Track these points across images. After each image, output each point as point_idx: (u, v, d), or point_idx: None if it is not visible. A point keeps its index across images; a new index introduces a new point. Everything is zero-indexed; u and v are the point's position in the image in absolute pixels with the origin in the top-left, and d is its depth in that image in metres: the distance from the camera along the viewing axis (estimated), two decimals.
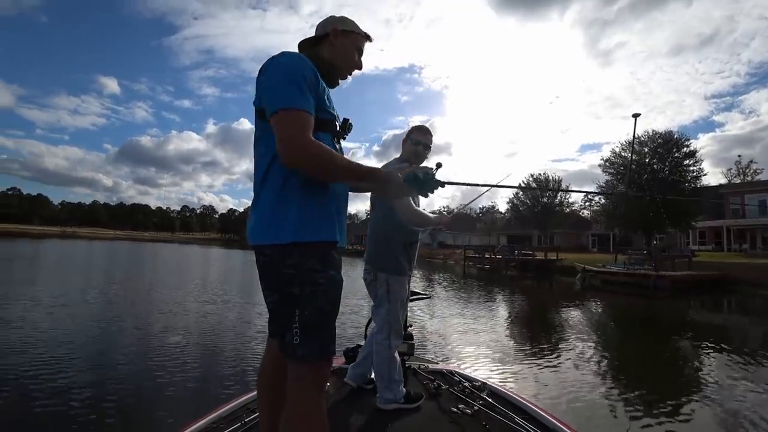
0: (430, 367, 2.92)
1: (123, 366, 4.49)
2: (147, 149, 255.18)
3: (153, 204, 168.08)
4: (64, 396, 3.62)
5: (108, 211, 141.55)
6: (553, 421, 2.10)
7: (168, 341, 5.56)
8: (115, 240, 62.77)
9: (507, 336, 7.07)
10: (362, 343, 2.69)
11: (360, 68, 1.48)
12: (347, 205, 1.42)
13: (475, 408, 2.21)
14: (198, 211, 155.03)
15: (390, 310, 2.24)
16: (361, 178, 1.27)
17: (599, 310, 11.21)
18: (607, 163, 29.76)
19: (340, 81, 1.47)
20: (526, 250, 29.62)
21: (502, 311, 10.09)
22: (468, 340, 6.45)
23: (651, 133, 28.41)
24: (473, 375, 2.89)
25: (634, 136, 23.48)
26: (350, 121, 1.41)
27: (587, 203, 35.57)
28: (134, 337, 5.73)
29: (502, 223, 58.82)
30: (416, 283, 16.24)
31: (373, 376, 2.49)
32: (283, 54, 1.24)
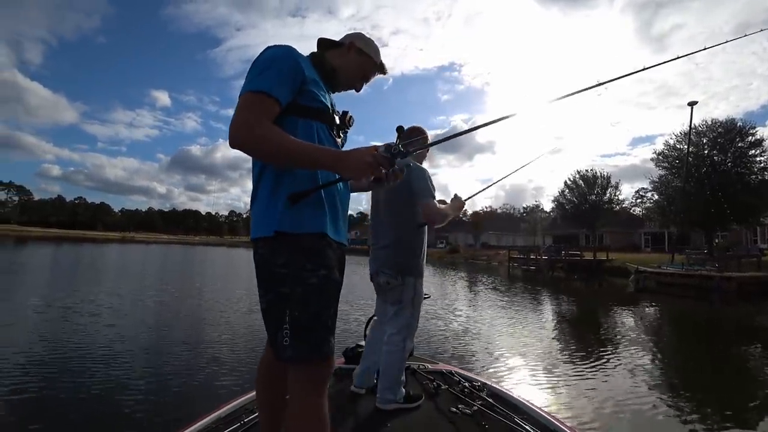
0: (430, 367, 2.90)
1: (125, 365, 4.55)
2: (196, 158, 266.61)
3: (203, 209, 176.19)
4: (61, 394, 3.64)
5: (162, 217, 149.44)
6: (553, 421, 2.10)
7: (177, 341, 5.66)
8: (169, 244, 66.18)
9: (552, 344, 6.74)
10: (362, 343, 2.65)
11: (357, 90, 1.49)
12: (347, 201, 1.40)
13: (475, 408, 2.21)
14: (244, 216, 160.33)
15: (413, 314, 2.26)
16: (321, 165, 1.17)
17: (656, 315, 10.54)
18: (660, 157, 28.00)
19: (335, 91, 1.47)
20: (573, 250, 28.43)
21: (547, 316, 9.71)
22: (511, 347, 6.24)
23: (710, 123, 26.46)
24: (473, 375, 2.85)
25: (690, 126, 22.02)
26: (350, 115, 1.40)
27: (639, 200, 33.64)
28: (145, 337, 5.81)
29: (546, 222, 56.83)
30: (460, 285, 15.99)
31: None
32: (267, 47, 1.24)
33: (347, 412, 2.20)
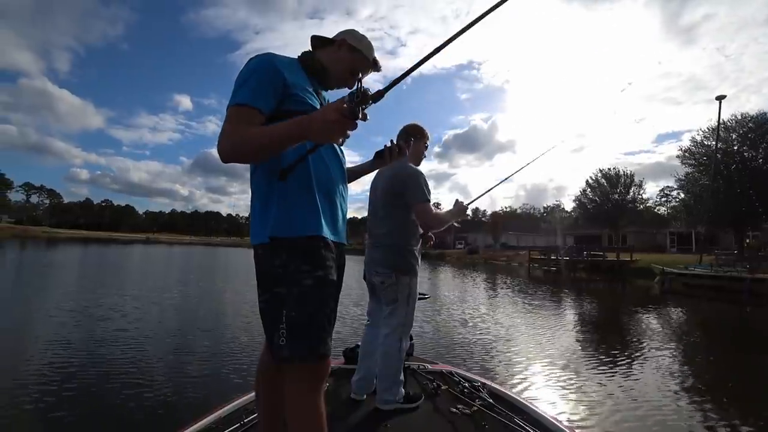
0: (430, 367, 2.91)
1: (127, 364, 4.50)
2: (217, 160, 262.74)
3: (224, 211, 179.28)
4: (58, 394, 3.61)
5: (184, 219, 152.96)
6: (553, 421, 2.11)
7: (177, 341, 5.61)
8: (191, 245, 67.54)
9: (571, 348, 6.47)
10: (361, 343, 2.61)
11: (349, 88, 1.44)
12: (344, 201, 1.39)
13: (475, 408, 2.22)
14: None
15: (408, 313, 2.25)
16: (292, 138, 1.10)
17: (682, 319, 10.11)
18: (686, 154, 27.14)
19: (328, 89, 1.45)
20: (595, 251, 27.76)
21: (568, 318, 9.40)
22: (528, 351, 6.04)
23: (740, 117, 25.42)
24: (473, 375, 2.84)
25: (719, 121, 21.22)
26: None
27: (663, 198, 32.66)
28: (150, 338, 5.73)
29: (568, 222, 55.78)
30: (479, 286, 15.76)
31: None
32: (249, 59, 1.25)
33: (346, 412, 2.19)
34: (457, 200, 2.31)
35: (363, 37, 1.43)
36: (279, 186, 1.21)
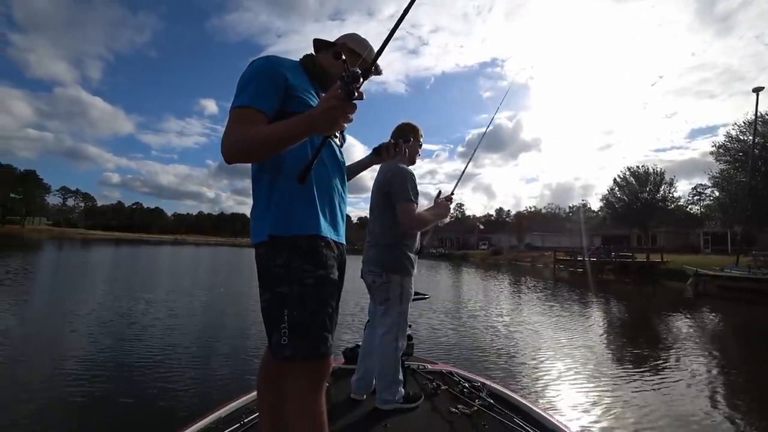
0: (429, 367, 2.92)
1: (126, 363, 4.55)
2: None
3: (249, 213, 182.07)
4: (59, 391, 3.65)
5: (211, 220, 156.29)
6: (552, 421, 2.10)
7: (179, 341, 5.62)
8: (217, 246, 68.82)
9: (594, 353, 6.29)
10: (361, 343, 2.62)
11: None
12: (343, 200, 1.40)
13: (474, 408, 2.22)
14: None
15: (402, 312, 2.25)
16: (299, 134, 1.09)
17: (716, 324, 9.69)
18: (721, 150, 26.05)
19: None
20: (624, 252, 26.94)
21: (593, 321, 9.15)
22: (552, 358, 5.91)
23: None
24: (473, 375, 2.85)
25: (756, 114, 20.25)
26: None
27: (696, 197, 31.44)
28: (152, 337, 5.75)
29: (595, 222, 54.42)
30: (504, 288, 15.54)
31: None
32: (251, 62, 1.26)
33: (346, 411, 2.20)
34: (437, 197, 2.33)
35: (364, 40, 1.43)
36: (278, 186, 1.23)
